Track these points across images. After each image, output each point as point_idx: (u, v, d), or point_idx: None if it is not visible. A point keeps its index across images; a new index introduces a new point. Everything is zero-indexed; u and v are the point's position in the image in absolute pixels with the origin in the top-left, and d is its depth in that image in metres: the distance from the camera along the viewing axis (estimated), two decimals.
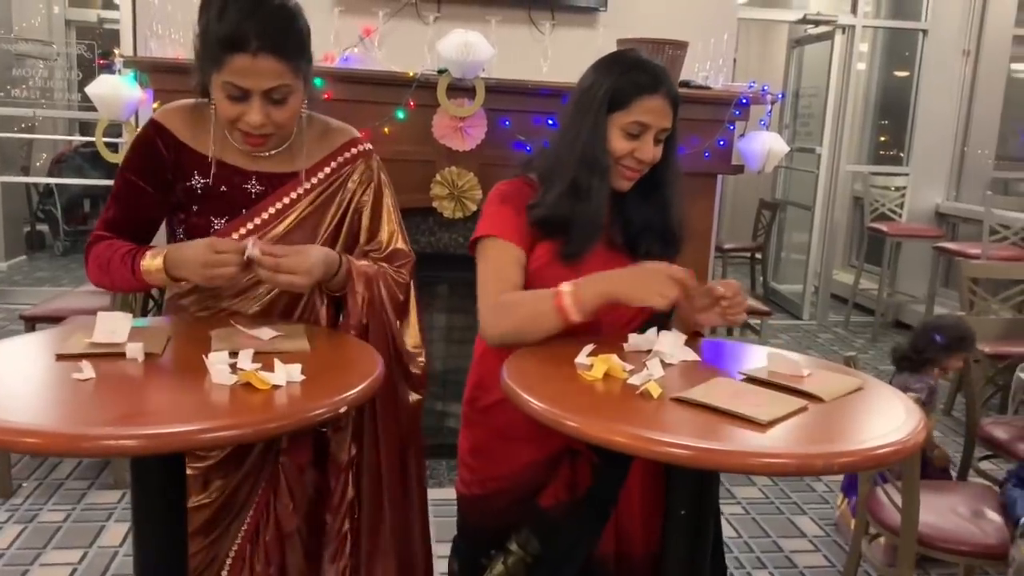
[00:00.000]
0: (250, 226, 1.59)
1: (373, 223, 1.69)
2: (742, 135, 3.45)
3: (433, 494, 3.17)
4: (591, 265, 1.59)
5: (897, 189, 6.34)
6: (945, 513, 2.23)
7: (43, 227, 7.52)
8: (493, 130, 3.19)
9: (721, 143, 3.30)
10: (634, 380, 1.29)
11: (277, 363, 1.20)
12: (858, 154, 6.91)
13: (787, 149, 3.39)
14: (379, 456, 1.62)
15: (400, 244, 1.71)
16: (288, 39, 1.46)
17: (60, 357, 1.27)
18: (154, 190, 1.60)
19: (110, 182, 4.01)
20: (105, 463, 3.26)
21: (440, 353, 3.79)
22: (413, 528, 1.73)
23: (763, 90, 3.32)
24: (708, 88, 3.36)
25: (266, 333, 1.41)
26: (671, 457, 1.05)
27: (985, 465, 3.15)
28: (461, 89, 3.10)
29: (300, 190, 1.63)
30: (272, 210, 1.61)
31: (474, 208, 3.22)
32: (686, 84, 3.33)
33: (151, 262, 1.48)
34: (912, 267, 6.19)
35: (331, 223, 1.65)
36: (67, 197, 7.29)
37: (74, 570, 2.56)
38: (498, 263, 1.60)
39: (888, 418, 1.22)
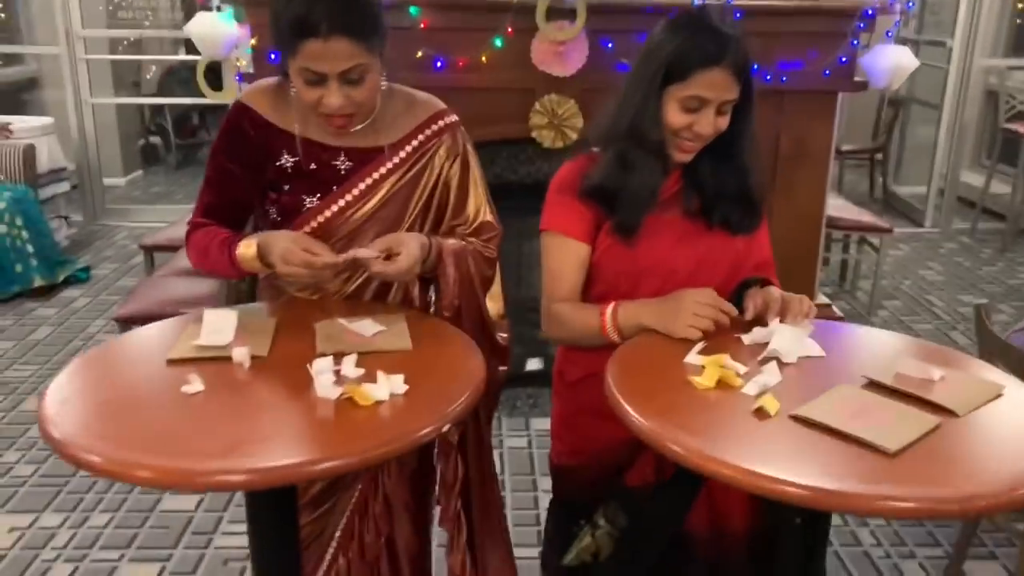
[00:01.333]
0: (341, 203, 1.57)
1: (460, 197, 1.65)
2: (865, 47, 3.18)
3: (535, 423, 3.26)
4: (662, 239, 1.53)
5: None
6: None
7: (155, 140, 7.77)
8: (595, 53, 3.04)
9: (842, 60, 3.05)
10: (749, 389, 1.22)
11: (380, 376, 1.19)
12: (993, 47, 6.33)
13: (916, 64, 3.11)
14: (481, 433, 1.62)
15: (487, 217, 1.67)
16: (358, 16, 1.41)
17: (171, 362, 1.30)
18: (245, 172, 1.59)
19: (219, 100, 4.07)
20: None
21: (538, 281, 3.76)
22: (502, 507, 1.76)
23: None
24: None
25: (368, 327, 1.40)
26: (785, 496, 0.99)
27: None
28: (561, 11, 2.95)
29: (389, 165, 1.59)
30: (363, 186, 1.58)
31: (575, 137, 3.11)
32: None
33: (246, 250, 1.49)
34: None
35: (420, 198, 1.62)
36: (177, 111, 7.47)
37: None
38: (556, 263, 1.58)
39: None
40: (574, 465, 1.69)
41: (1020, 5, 6.43)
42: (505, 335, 1.71)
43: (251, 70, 3.05)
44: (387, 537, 1.63)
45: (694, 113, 1.45)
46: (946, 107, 5.81)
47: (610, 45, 3.03)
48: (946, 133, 5.87)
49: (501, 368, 1.71)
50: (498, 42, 2.97)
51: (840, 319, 3.52)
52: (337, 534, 1.62)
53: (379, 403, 1.16)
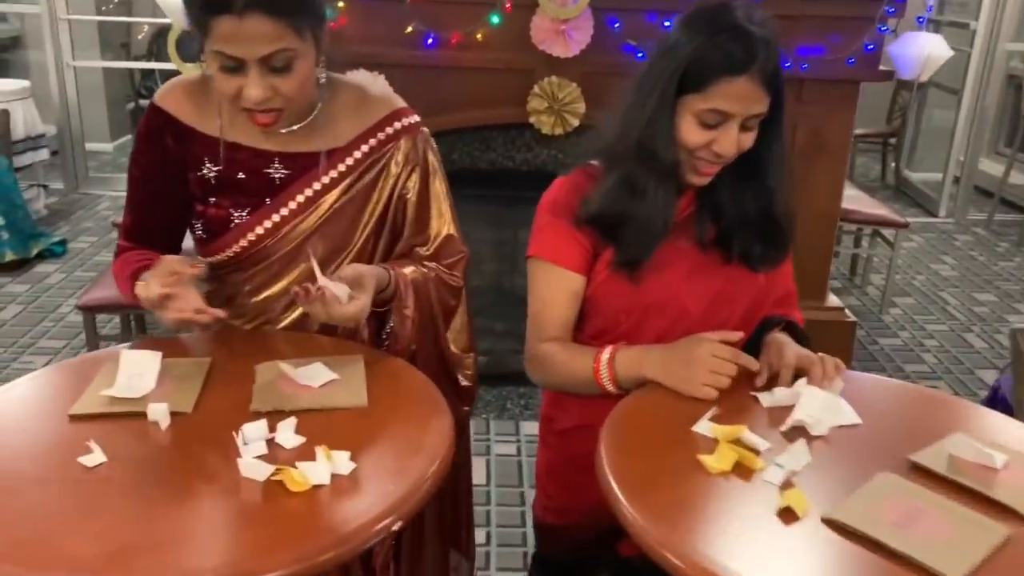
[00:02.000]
0: (276, 218, 1.35)
1: (420, 214, 1.42)
2: (892, 32, 2.93)
3: (524, 427, 3.05)
4: (672, 271, 1.31)
5: None
6: None
7: (145, 103, 7.49)
8: (600, 33, 2.79)
9: (869, 47, 2.80)
10: (771, 476, 1.01)
11: (320, 453, 0.97)
12: (1017, 30, 6.04)
13: (949, 54, 2.87)
14: None
15: (452, 237, 1.45)
16: None
17: (74, 418, 1.08)
18: (167, 186, 1.38)
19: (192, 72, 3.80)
20: None
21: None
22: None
23: None
24: None
25: (318, 374, 1.18)
26: None
27: None
28: None
29: (334, 173, 1.36)
30: (301, 198, 1.36)
31: (576, 123, 2.88)
32: None
33: (144, 291, 1.27)
34: None
35: (373, 213, 1.40)
36: (168, 74, 7.18)
37: None
38: (544, 295, 1.36)
39: None
40: (560, 523, 1.49)
41: None
42: (470, 371, 1.49)
43: None
44: None
45: (714, 129, 1.22)
46: (967, 91, 5.54)
47: (617, 25, 2.78)
48: (965, 118, 5.61)
49: (464, 408, 1.51)
50: (495, 18, 2.73)
51: (853, 324, 3.31)
52: None
53: (317, 488, 0.95)
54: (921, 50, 2.78)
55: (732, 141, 1.22)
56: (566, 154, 3.06)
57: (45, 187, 5.20)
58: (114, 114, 6.61)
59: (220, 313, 1.23)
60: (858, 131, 6.10)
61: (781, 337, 1.30)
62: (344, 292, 1.20)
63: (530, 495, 2.64)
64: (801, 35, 2.79)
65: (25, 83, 5.09)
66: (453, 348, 1.46)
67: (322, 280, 1.19)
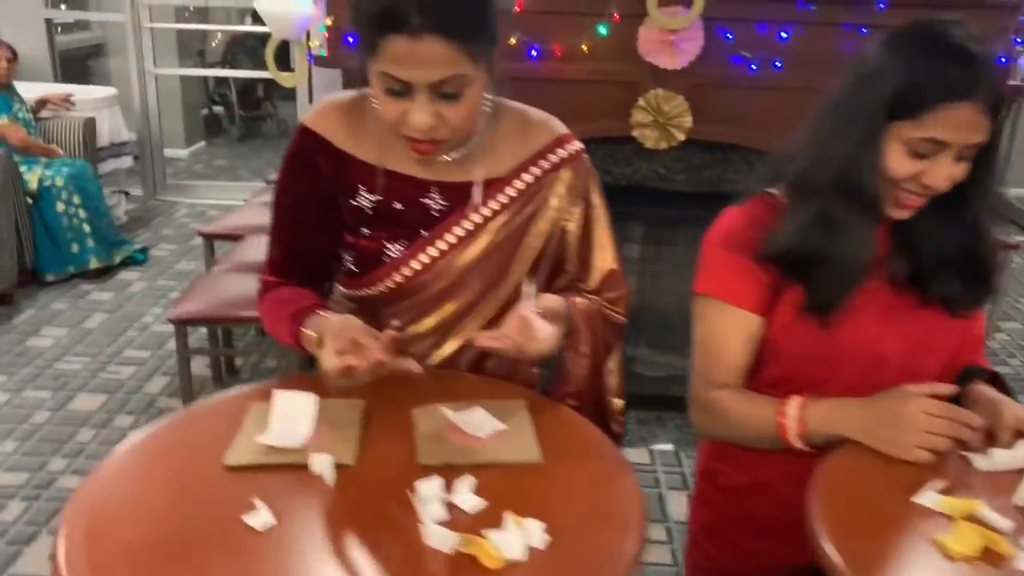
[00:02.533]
0: (433, 252, 1.26)
1: (583, 248, 1.32)
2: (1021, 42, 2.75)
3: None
4: (865, 315, 1.18)
5: None
6: None
7: (219, 110, 7.56)
8: (709, 43, 2.67)
9: (1001, 60, 2.63)
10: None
11: (510, 521, 0.87)
12: None
13: None
14: None
15: (615, 272, 1.34)
16: (463, 12, 1.08)
17: (229, 469, 1.00)
18: (319, 215, 1.28)
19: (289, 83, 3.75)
20: None
21: (632, 288, 3.43)
22: None
23: None
24: None
25: (483, 424, 1.08)
26: None
27: None
28: None
29: (494, 204, 1.26)
30: (459, 231, 1.26)
31: (681, 138, 2.75)
32: None
33: (310, 334, 1.17)
34: None
35: (531, 248, 1.30)
36: (242, 82, 7.24)
37: None
38: (715, 336, 1.24)
39: None
40: None
41: None
42: (621, 417, 1.38)
43: (323, 52, 2.76)
44: None
45: (925, 159, 1.09)
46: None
47: (730, 36, 2.65)
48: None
49: None
50: (602, 29, 2.62)
51: None
52: None
53: (512, 565, 0.84)
54: None
55: (945, 173, 1.10)
56: (668, 169, 2.95)
57: (127, 194, 5.24)
58: (189, 121, 6.67)
59: (413, 367, 1.12)
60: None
61: (992, 392, 1.17)
62: (547, 329, 1.10)
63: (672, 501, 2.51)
64: None
65: (112, 90, 5.14)
66: (611, 392, 1.35)
67: (528, 311, 1.09)
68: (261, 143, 7.42)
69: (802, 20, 2.62)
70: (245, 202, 4.21)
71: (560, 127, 1.32)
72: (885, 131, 1.10)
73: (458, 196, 1.26)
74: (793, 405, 1.15)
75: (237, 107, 7.30)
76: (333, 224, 1.28)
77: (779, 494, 1.21)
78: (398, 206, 1.26)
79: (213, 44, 7.39)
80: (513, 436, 1.08)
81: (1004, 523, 0.93)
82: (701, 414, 1.26)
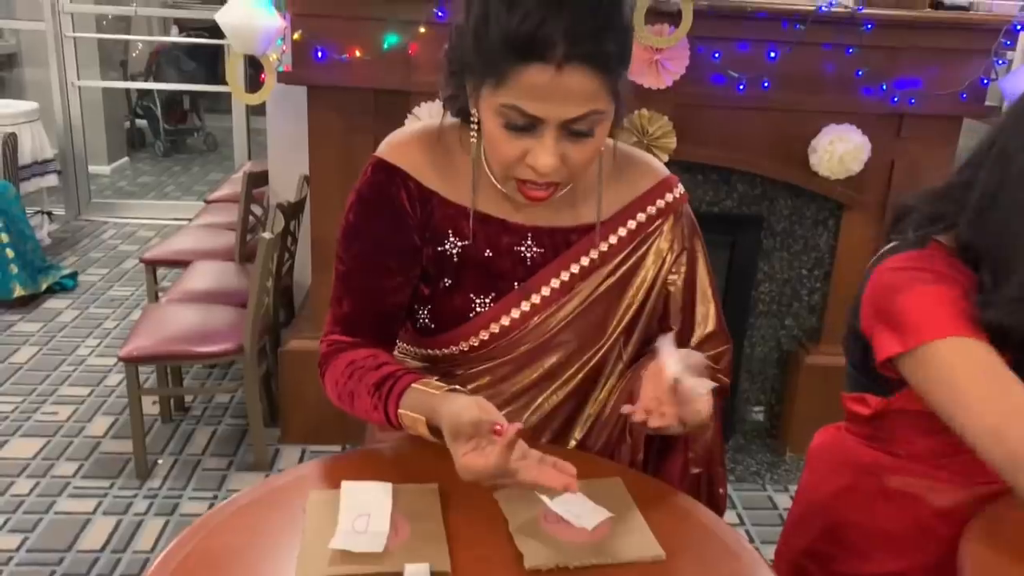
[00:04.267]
0: (525, 307, 1.12)
1: (687, 300, 1.19)
2: (1002, 62, 2.76)
3: None
4: None
5: None
6: None
7: (142, 123, 7.19)
8: (695, 63, 2.60)
9: (984, 81, 2.63)
10: None
11: None
12: None
13: None
14: None
15: (717, 325, 1.20)
16: (609, 42, 0.93)
17: None
18: (401, 263, 1.12)
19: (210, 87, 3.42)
20: (241, 436, 2.94)
21: None
22: None
23: None
24: (967, 9, 2.67)
25: (585, 512, 0.93)
26: None
27: None
28: (662, 13, 2.50)
29: (595, 254, 1.13)
30: (556, 283, 1.12)
31: (666, 159, 2.66)
32: (940, 3, 2.65)
33: (413, 424, 1.01)
34: None
35: (632, 303, 1.16)
36: (166, 94, 6.90)
37: None
38: (987, 368, 0.99)
39: None
40: None
41: None
42: (723, 489, 1.22)
43: (281, 68, 2.58)
44: None
45: None
46: None
47: (716, 55, 2.58)
48: None
49: None
50: None
51: None
52: None
53: None
54: None
55: None
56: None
57: (49, 214, 4.90)
58: (112, 135, 6.31)
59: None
60: None
61: None
62: (705, 386, 0.95)
63: None
64: (906, 67, 2.61)
65: (33, 104, 4.80)
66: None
67: (675, 372, 0.93)
68: (188, 158, 7.09)
69: (789, 40, 2.57)
70: (189, 222, 3.95)
71: (663, 169, 1.19)
72: None
73: (555, 243, 1.12)
74: None
75: (162, 120, 6.95)
76: (411, 271, 1.13)
77: None
78: (488, 254, 1.11)
79: (134, 55, 7.03)
80: (624, 526, 0.94)
81: None
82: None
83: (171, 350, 2.63)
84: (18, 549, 2.34)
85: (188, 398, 3.19)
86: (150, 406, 3.05)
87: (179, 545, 0.89)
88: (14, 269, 3.90)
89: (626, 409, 0.99)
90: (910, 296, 1.05)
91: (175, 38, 6.66)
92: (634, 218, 1.15)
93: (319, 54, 2.51)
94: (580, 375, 1.15)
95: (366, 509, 0.88)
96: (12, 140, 4.26)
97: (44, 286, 4.05)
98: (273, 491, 1.00)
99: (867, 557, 1.18)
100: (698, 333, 1.19)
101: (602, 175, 1.12)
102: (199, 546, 0.88)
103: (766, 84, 2.59)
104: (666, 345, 0.98)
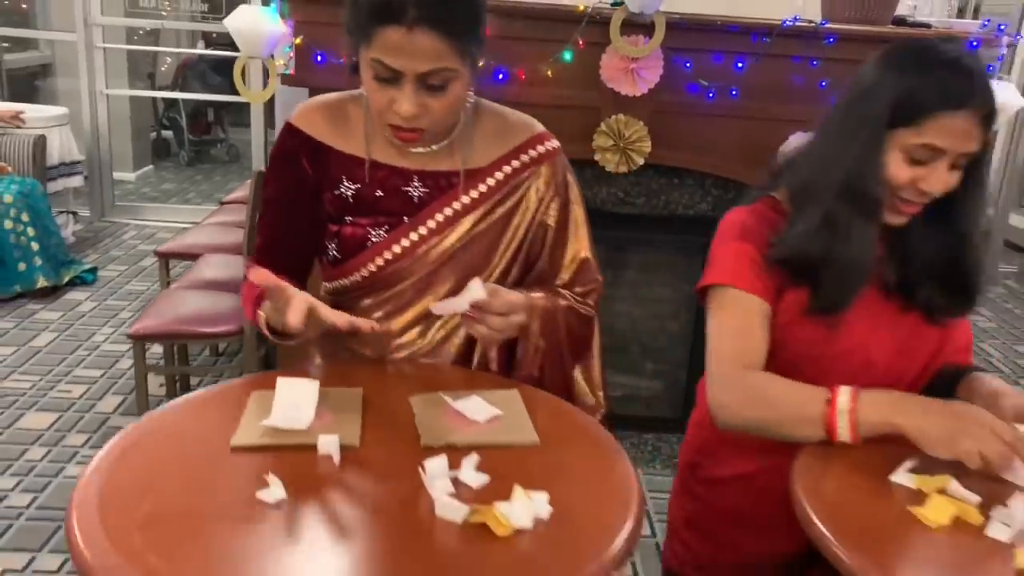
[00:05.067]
0: (414, 237, 1.31)
1: (559, 240, 1.39)
2: None
3: None
4: (858, 319, 1.23)
5: None
6: None
7: (168, 134, 7.49)
8: (669, 72, 2.78)
9: None
10: (997, 532, 0.95)
11: (518, 492, 0.91)
12: None
13: (1022, 103, 2.85)
14: None
15: (587, 261, 1.40)
16: (455, 10, 1.15)
17: (235, 450, 1.02)
18: (303, 206, 1.35)
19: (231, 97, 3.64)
20: None
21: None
22: None
23: (999, 29, 2.77)
24: (928, 26, 2.83)
25: (481, 409, 1.12)
26: None
27: None
28: (637, 25, 2.69)
29: (474, 194, 1.33)
30: (440, 217, 1.32)
31: (641, 162, 2.84)
32: (901, 21, 2.82)
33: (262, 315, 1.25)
34: None
35: (511, 241, 1.36)
36: (191, 105, 7.19)
37: None
38: (740, 320, 1.23)
39: None
40: None
41: None
42: (602, 409, 1.43)
43: (289, 71, 2.79)
44: None
45: (922, 166, 1.17)
46: (998, 148, 5.56)
47: (688, 65, 2.76)
48: (996, 174, 5.62)
49: None
50: (567, 55, 2.71)
51: None
52: None
53: (519, 532, 0.88)
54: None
55: (941, 179, 1.17)
56: (627, 193, 3.03)
57: (75, 214, 5.15)
58: (138, 144, 6.59)
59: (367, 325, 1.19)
60: None
61: (992, 381, 1.23)
62: (478, 287, 1.17)
63: None
64: None
65: (63, 110, 5.07)
66: (583, 383, 1.40)
67: (450, 304, 1.17)
68: (211, 168, 7.36)
69: (756, 52, 2.74)
70: (197, 225, 4.18)
71: (538, 126, 1.39)
72: (886, 138, 1.17)
73: (438, 185, 1.32)
74: (844, 393, 1.12)
75: (187, 131, 7.24)
76: (315, 216, 1.34)
77: (760, 487, 1.26)
78: (380, 194, 1.32)
79: (163, 68, 7.34)
80: (510, 421, 1.12)
81: (971, 497, 1.00)
82: (733, 394, 1.20)
83: (176, 329, 2.83)
84: (28, 506, 2.54)
85: (194, 380, 3.39)
86: (157, 388, 3.25)
87: (147, 418, 1.09)
88: (38, 261, 4.14)
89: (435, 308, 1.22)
90: (719, 245, 1.28)
91: (202, 51, 6.94)
92: (509, 164, 1.34)
93: (319, 58, 2.72)
94: None
95: (296, 399, 1.06)
96: (41, 142, 4.53)
97: (66, 279, 4.28)
98: (228, 389, 1.21)
99: (725, 463, 1.36)
100: (570, 270, 1.39)
101: (471, 131, 1.32)
102: (148, 426, 1.08)
103: (734, 93, 2.76)
104: (474, 282, 1.18)
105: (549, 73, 2.74)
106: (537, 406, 1.17)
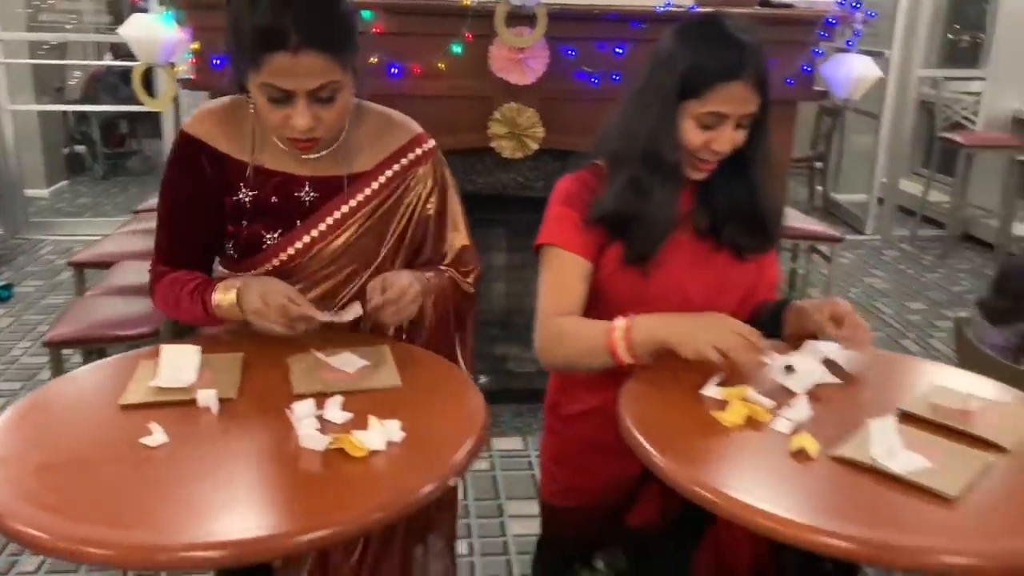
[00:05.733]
0: (306, 239, 1.43)
1: (439, 229, 1.53)
2: (820, 52, 3.15)
3: (497, 443, 3.12)
4: (674, 263, 1.42)
5: (971, 95, 5.92)
6: None
7: (81, 149, 7.40)
8: (556, 61, 2.94)
9: (805, 69, 3.01)
10: (779, 426, 1.13)
11: (373, 421, 1.05)
12: (926, 57, 6.45)
13: (879, 74, 3.09)
14: None
15: (467, 248, 1.55)
16: (333, 29, 1.26)
17: (125, 408, 1.13)
18: (202, 210, 1.44)
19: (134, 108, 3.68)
20: None
21: (501, 291, 3.65)
22: None
23: (853, 6, 3.01)
24: (791, 6, 3.05)
25: (351, 362, 1.26)
26: (836, 551, 0.89)
27: None
28: (521, 17, 2.84)
29: (360, 197, 1.45)
30: (330, 220, 1.44)
31: (535, 147, 3.00)
32: (767, 2, 3.02)
33: (223, 297, 1.34)
34: (986, 178, 5.82)
35: (395, 232, 1.49)
36: (103, 118, 7.12)
37: None
38: (557, 275, 1.43)
39: None
40: (570, 505, 1.57)
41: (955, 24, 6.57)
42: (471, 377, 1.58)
43: (190, 76, 2.87)
44: None
45: (712, 130, 1.35)
46: (885, 116, 5.88)
47: (572, 53, 2.93)
48: (886, 141, 5.94)
49: None
50: (456, 48, 2.84)
51: None
52: None
53: (373, 454, 1.02)
54: (852, 71, 3.00)
55: (728, 139, 1.35)
56: (526, 177, 3.18)
57: None
58: (50, 159, 6.50)
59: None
60: None
61: (802, 303, 1.42)
62: (357, 309, 1.31)
63: (508, 507, 2.72)
64: None
65: None
66: (458, 352, 1.55)
67: (327, 316, 1.31)
68: (127, 180, 7.29)
69: (634, 37, 2.92)
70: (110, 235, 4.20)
71: (416, 127, 1.52)
72: (678, 109, 1.35)
73: (328, 189, 1.43)
74: (621, 322, 1.32)
75: (100, 144, 7.17)
76: (215, 217, 1.43)
77: (608, 417, 1.42)
78: (274, 200, 1.42)
79: (71, 82, 7.24)
80: (376, 369, 1.26)
81: (766, 401, 1.19)
82: (545, 340, 1.40)
83: (91, 334, 2.89)
84: None
85: None
86: None
87: (33, 394, 1.21)
88: None
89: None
90: (548, 208, 1.46)
91: (110, 62, 6.88)
92: (391, 168, 1.47)
93: (217, 62, 2.81)
94: (359, 291, 1.45)
95: (180, 362, 1.18)
96: None
97: None
98: (118, 360, 1.33)
99: (578, 398, 1.52)
100: (451, 255, 1.52)
101: (357, 135, 1.44)
102: (45, 393, 1.20)
103: (615, 77, 2.94)
104: (354, 304, 1.33)
105: (441, 66, 2.87)
106: (405, 357, 1.32)
